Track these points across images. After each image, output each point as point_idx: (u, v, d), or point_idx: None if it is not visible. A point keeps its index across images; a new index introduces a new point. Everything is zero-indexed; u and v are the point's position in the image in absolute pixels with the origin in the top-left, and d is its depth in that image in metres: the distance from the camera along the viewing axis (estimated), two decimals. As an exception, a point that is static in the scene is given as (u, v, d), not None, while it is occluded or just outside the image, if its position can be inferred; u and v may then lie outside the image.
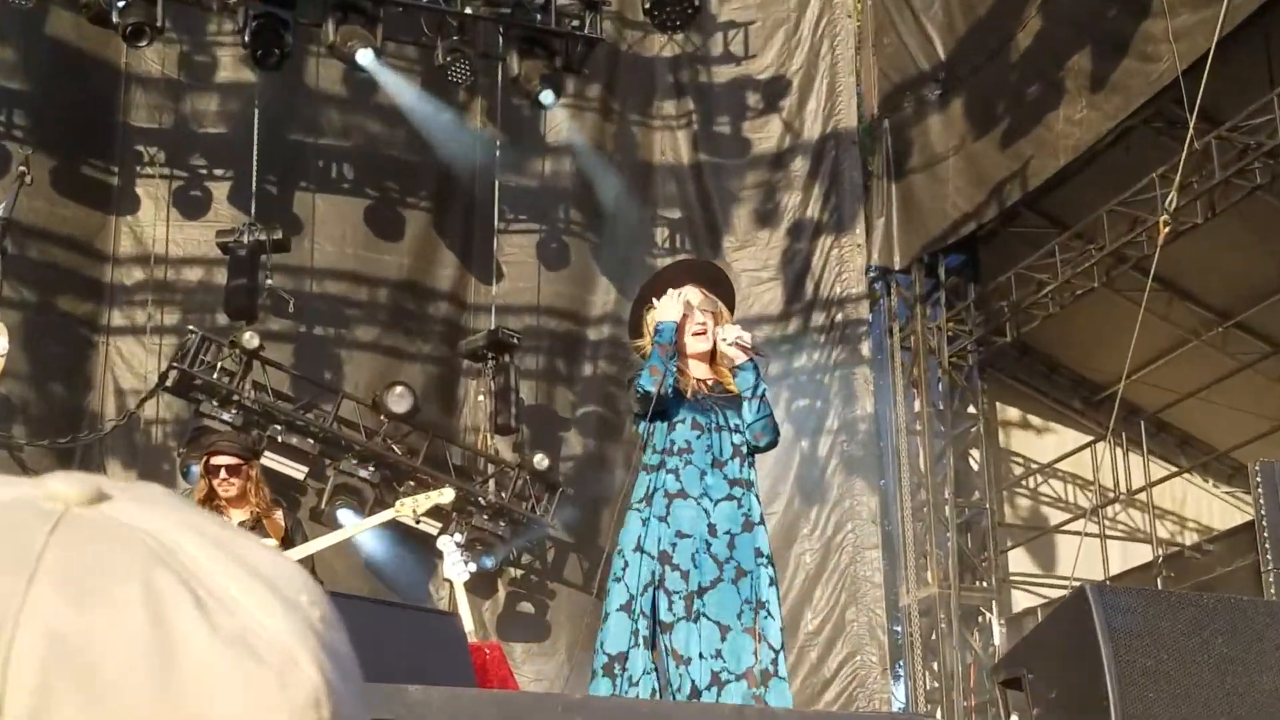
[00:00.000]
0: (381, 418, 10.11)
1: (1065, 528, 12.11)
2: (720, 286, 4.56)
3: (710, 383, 4.39)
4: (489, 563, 10.18)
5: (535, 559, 10.91)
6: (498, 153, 10.86)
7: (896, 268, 11.80)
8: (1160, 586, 9.96)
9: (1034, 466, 12.61)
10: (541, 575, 10.93)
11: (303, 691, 0.53)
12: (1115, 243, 10.30)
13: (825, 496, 11.34)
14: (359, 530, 6.75)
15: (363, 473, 9.93)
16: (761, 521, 4.25)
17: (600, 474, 11.07)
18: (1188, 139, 8.16)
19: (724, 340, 4.33)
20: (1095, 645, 4.91)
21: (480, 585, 10.26)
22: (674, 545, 4.11)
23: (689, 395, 4.34)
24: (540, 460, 10.45)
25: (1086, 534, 11.00)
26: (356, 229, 10.70)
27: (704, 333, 4.37)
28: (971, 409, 11.98)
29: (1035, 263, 11.08)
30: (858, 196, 11.87)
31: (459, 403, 10.86)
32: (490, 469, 10.57)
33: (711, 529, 4.13)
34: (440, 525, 9.84)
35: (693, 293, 4.41)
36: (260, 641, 0.53)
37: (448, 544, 8.09)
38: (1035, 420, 12.80)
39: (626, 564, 4.14)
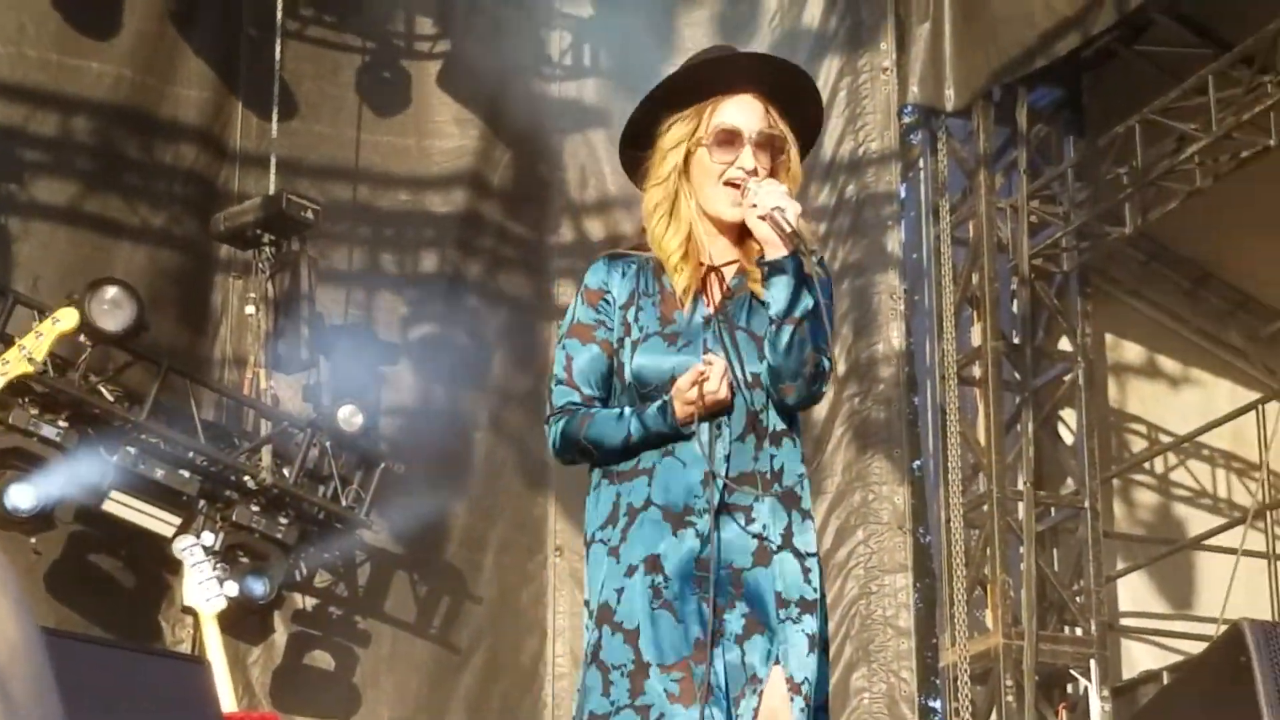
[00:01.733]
0: (81, 338, 9.91)
1: (1213, 540, 12.13)
2: (802, 106, 4.31)
3: (733, 277, 4.22)
4: (259, 587, 10.29)
5: (339, 582, 11.09)
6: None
7: (949, 109, 11.92)
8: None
9: (1165, 440, 12.65)
10: (349, 608, 11.07)
11: None
12: (1307, 73, 10.35)
13: (823, 486, 11.46)
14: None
15: (47, 430, 9.80)
16: (786, 546, 4.11)
17: (451, 442, 11.21)
18: None
19: (752, 205, 4.09)
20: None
21: (246, 621, 10.36)
22: (620, 591, 4.04)
23: (672, 314, 4.17)
24: (350, 415, 10.59)
25: (1246, 551, 11.03)
26: (39, 17, 10.60)
27: (741, 184, 4.15)
28: (1066, 345, 12.03)
29: (1175, 105, 11.05)
30: (888, -12, 12.05)
31: (213, 317, 11.05)
32: (265, 428, 10.66)
33: (703, 564, 4.05)
34: (179, 519, 9.87)
35: (750, 110, 4.19)
36: None
37: (191, 550, 8.17)
38: (1169, 365, 12.83)
39: (600, 641, 4.06)
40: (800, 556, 4.08)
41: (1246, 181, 11.05)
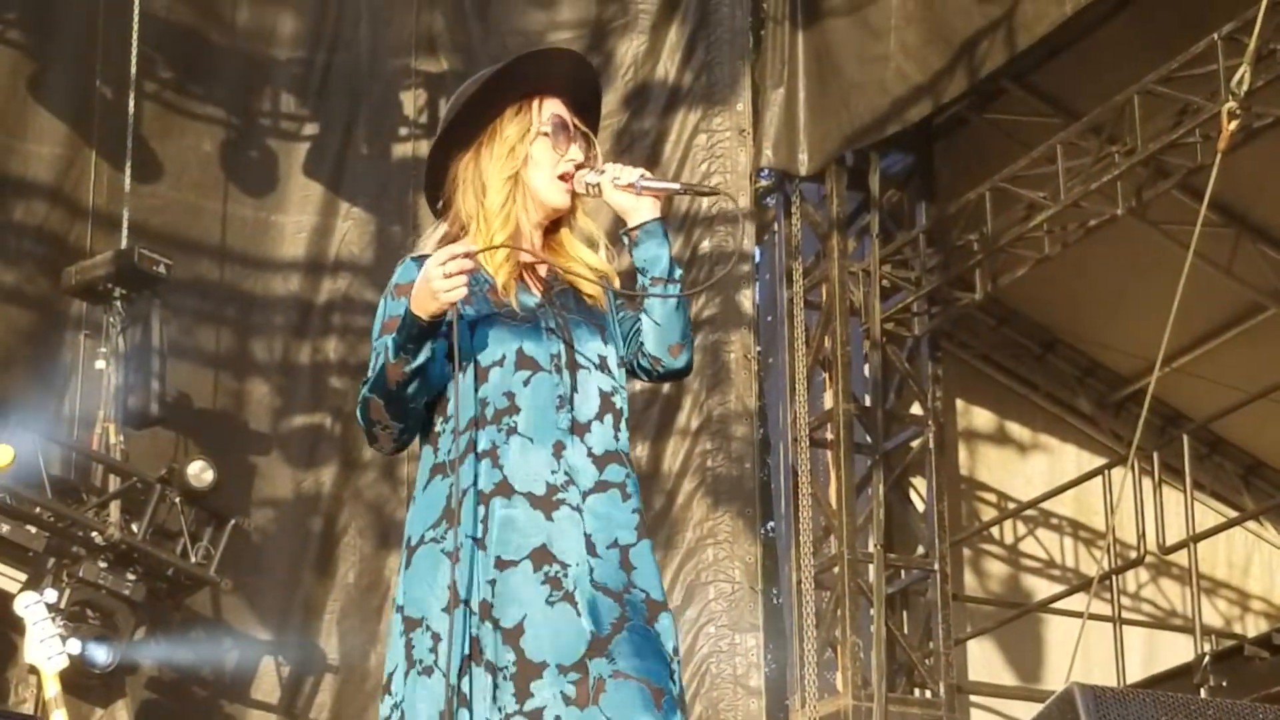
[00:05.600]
0: (-76, 396, 10.01)
1: (1059, 604, 12.32)
2: (596, 110, 4.27)
3: (546, 274, 4.13)
4: (101, 655, 10.09)
5: (204, 665, 11.12)
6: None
7: (802, 173, 12.02)
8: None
9: (1012, 505, 12.84)
10: (210, 682, 11.05)
11: None
12: (1151, 145, 10.52)
13: (673, 543, 11.53)
14: None
15: (-115, 493, 9.81)
16: (647, 536, 4.02)
17: (302, 509, 11.23)
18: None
19: (616, 180, 4.03)
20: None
21: (92, 682, 10.21)
22: (494, 584, 3.85)
23: (505, 299, 4.02)
24: (200, 471, 10.53)
25: (1093, 616, 10.96)
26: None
27: (569, 177, 4.10)
28: (916, 409, 12.21)
29: (1024, 173, 11.27)
30: (742, 52, 12.08)
31: (63, 374, 10.87)
32: (115, 484, 10.50)
33: (589, 543, 3.90)
34: (25, 575, 9.82)
35: (564, 109, 4.14)
36: None
37: (32, 608, 7.84)
38: (1017, 431, 13.05)
39: (434, 637, 3.85)
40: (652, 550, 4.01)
41: (1094, 249, 11.35)
